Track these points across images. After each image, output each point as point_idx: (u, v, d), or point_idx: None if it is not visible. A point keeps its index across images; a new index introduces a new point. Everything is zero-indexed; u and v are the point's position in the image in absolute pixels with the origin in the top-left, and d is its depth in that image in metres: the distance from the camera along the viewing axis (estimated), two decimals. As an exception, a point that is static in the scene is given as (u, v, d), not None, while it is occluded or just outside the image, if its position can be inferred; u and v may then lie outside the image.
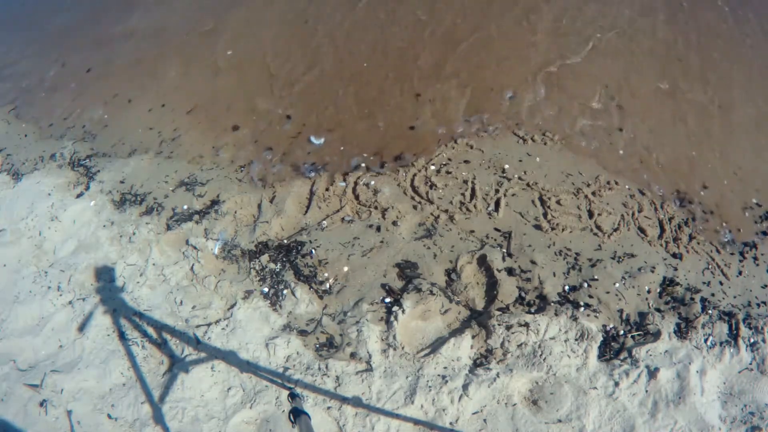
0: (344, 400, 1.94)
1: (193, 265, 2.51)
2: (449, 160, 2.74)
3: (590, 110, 2.92)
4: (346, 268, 2.37)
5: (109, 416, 2.06)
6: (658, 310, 2.09)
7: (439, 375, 1.96)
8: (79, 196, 3.04)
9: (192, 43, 4.12)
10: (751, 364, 1.93)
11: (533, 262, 2.25)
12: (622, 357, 1.96)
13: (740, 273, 2.21)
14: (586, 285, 2.16)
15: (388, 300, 2.22)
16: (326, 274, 2.36)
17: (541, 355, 1.96)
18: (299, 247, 2.47)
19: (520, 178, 2.59)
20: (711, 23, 3.50)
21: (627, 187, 2.54)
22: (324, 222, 2.56)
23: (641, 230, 2.36)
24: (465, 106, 3.02)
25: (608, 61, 3.21)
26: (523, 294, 2.17)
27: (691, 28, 3.44)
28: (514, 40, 3.39)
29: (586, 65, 3.19)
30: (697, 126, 2.83)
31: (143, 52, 4.21)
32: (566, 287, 2.17)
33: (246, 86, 3.56)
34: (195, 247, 2.56)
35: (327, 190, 2.70)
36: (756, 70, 3.19)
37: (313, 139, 2.86)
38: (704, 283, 2.17)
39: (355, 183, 2.71)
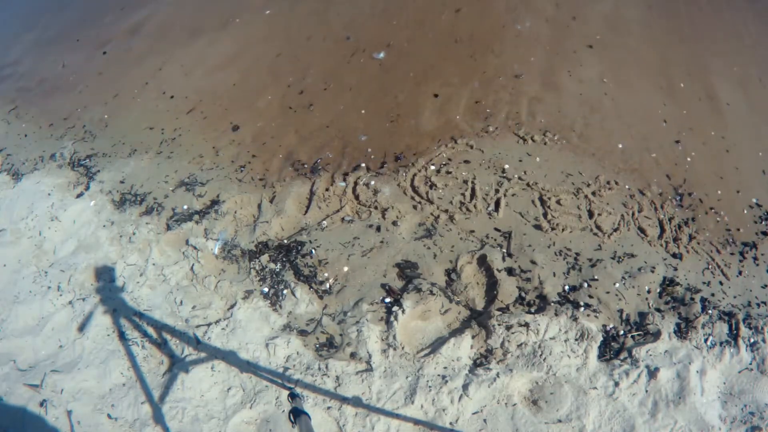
0: (344, 400, 1.94)
1: (193, 265, 2.51)
2: (449, 160, 2.74)
3: (590, 109, 2.92)
4: (346, 268, 2.37)
5: (109, 416, 2.06)
6: (658, 310, 2.09)
7: (439, 375, 1.96)
8: (79, 196, 3.04)
9: (194, 42, 4.12)
10: (751, 364, 1.93)
11: (533, 262, 2.25)
12: (622, 357, 1.96)
13: (740, 273, 2.21)
14: (586, 285, 2.16)
15: (388, 300, 2.22)
16: (326, 274, 2.36)
17: (541, 355, 1.96)
18: (299, 247, 2.47)
19: (520, 178, 2.59)
20: (709, 15, 3.52)
21: (627, 187, 2.54)
22: (324, 222, 2.56)
23: (641, 230, 2.36)
24: (465, 105, 3.03)
25: (608, 59, 3.21)
26: (523, 294, 2.17)
27: (688, 21, 3.46)
28: (513, 38, 3.39)
29: (585, 63, 3.19)
30: (696, 123, 2.83)
31: (146, 51, 4.21)
32: (566, 287, 2.17)
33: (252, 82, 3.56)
34: (195, 247, 2.56)
35: (327, 190, 2.70)
36: (755, 65, 3.20)
37: (374, 54, 2.99)
38: (704, 283, 2.17)
39: (355, 183, 2.71)
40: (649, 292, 2.14)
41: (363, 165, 2.80)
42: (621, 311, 2.08)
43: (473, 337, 2.06)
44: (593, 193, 2.51)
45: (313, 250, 2.44)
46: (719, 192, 2.51)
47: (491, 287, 2.22)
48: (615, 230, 2.36)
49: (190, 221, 2.71)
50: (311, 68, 3.52)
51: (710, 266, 2.23)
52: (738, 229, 2.37)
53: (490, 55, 3.27)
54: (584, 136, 2.78)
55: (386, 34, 3.54)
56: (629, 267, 2.22)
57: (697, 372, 1.89)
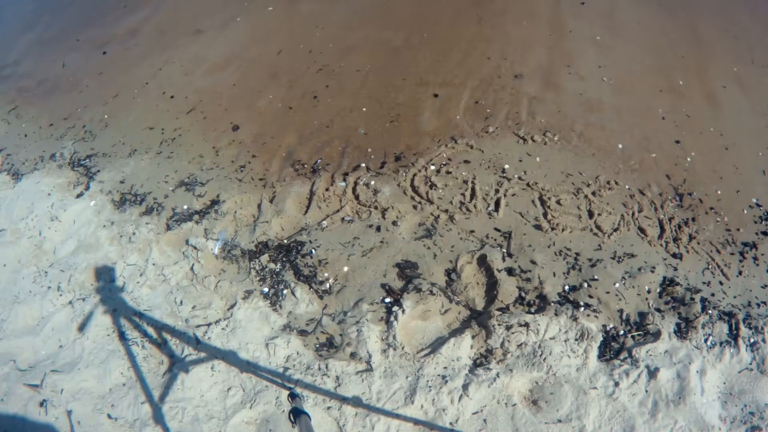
0: (344, 400, 1.94)
1: (193, 265, 2.51)
2: (449, 160, 2.74)
3: (590, 109, 2.92)
4: (346, 268, 2.37)
5: (109, 416, 2.06)
6: (658, 310, 2.09)
7: (439, 375, 1.96)
8: (79, 196, 3.04)
9: (194, 42, 4.12)
10: (751, 364, 1.93)
11: (533, 262, 2.25)
12: (622, 357, 1.96)
13: (740, 273, 2.21)
14: (586, 285, 2.16)
15: (388, 300, 2.22)
16: (326, 274, 2.36)
17: (541, 355, 1.96)
18: (299, 247, 2.47)
19: (520, 178, 2.59)
20: (708, 14, 3.52)
21: (627, 187, 2.54)
22: (324, 222, 2.56)
23: (641, 230, 2.36)
24: (465, 105, 3.03)
25: (608, 60, 3.21)
26: (523, 294, 2.17)
27: (687, 21, 3.46)
28: (513, 39, 3.39)
29: (585, 63, 3.19)
30: (696, 123, 2.83)
31: (146, 51, 4.21)
32: (566, 287, 2.17)
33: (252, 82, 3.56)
34: (195, 247, 2.56)
35: (327, 190, 2.70)
36: (754, 64, 3.20)
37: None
38: (704, 283, 2.17)
39: (355, 183, 2.71)
40: (649, 292, 2.14)
41: (363, 165, 2.80)
42: (621, 311, 2.08)
43: (473, 337, 2.06)
44: (593, 193, 2.51)
45: (313, 250, 2.44)
46: (719, 192, 2.51)
47: (491, 287, 2.22)
48: (615, 230, 2.36)
49: (190, 221, 2.71)
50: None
51: (710, 266, 2.22)
52: (738, 229, 2.37)
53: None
54: (584, 136, 2.78)
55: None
56: (629, 267, 2.22)
57: (697, 372, 1.89)
